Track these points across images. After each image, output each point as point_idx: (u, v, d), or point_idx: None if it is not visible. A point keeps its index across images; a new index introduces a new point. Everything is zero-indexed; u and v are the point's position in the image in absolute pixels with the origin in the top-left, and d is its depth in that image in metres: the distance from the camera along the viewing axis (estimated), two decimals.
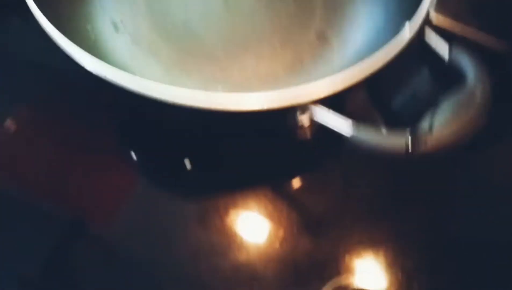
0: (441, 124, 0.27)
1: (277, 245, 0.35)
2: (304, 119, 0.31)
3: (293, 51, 0.41)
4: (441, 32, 0.32)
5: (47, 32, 0.32)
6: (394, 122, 0.39)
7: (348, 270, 0.34)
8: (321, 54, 0.41)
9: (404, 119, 0.39)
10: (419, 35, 0.32)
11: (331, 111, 0.30)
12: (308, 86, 0.30)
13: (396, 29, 0.39)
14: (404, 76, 0.41)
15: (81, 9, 0.39)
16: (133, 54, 0.40)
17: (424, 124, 0.27)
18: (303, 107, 0.30)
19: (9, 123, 0.39)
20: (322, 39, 0.42)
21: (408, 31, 0.33)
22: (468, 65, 0.29)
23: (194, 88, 0.38)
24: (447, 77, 0.30)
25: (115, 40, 0.40)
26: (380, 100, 0.41)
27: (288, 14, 0.42)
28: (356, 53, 0.41)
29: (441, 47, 0.32)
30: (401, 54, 0.31)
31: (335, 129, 0.30)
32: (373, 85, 0.38)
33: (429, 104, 0.28)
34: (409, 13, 0.37)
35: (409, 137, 0.27)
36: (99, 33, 0.40)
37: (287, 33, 0.42)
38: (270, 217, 0.36)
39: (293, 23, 0.42)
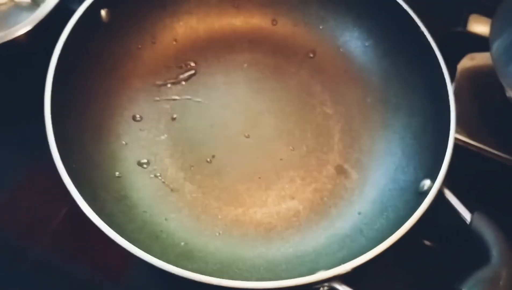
0: None
1: None
2: None
3: (313, 187, 0.42)
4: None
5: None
6: None
7: None
8: (340, 189, 0.42)
9: None
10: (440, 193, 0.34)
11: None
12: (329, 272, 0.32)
13: (414, 173, 0.40)
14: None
15: (109, 154, 0.41)
16: (157, 190, 0.41)
17: None
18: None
19: None
20: (341, 173, 0.43)
21: (430, 196, 0.34)
22: (492, 238, 0.30)
23: (218, 232, 0.40)
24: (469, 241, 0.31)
25: (142, 179, 0.41)
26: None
27: (307, 148, 0.44)
28: (375, 190, 0.42)
29: (462, 210, 0.33)
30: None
31: None
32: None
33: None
34: (428, 162, 0.39)
35: None
36: (126, 172, 0.42)
37: (307, 167, 0.43)
38: None
39: (312, 158, 0.44)
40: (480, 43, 0.45)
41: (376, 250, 0.32)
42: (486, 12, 0.48)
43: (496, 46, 0.42)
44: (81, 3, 0.41)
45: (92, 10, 0.41)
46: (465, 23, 0.50)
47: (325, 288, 0.32)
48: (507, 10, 0.43)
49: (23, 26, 0.43)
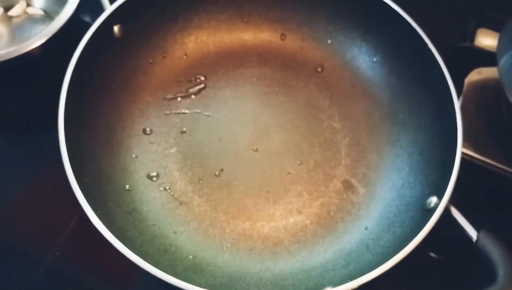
0: None
1: None
2: None
3: (320, 201, 0.43)
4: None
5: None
6: None
7: None
8: (347, 204, 0.43)
9: None
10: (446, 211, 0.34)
11: None
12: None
13: (421, 189, 0.41)
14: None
15: (120, 168, 0.42)
16: (166, 203, 0.42)
17: None
18: None
19: None
20: (348, 188, 0.44)
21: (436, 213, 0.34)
22: (498, 257, 0.30)
23: (226, 245, 0.40)
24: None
25: (151, 191, 0.42)
26: None
27: (314, 163, 0.44)
28: (382, 205, 0.42)
29: (469, 228, 0.33)
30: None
31: None
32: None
33: None
34: (435, 178, 0.39)
35: None
36: (136, 185, 0.42)
37: (314, 182, 0.44)
38: None
39: (319, 172, 0.44)
40: (487, 58, 0.45)
41: (383, 267, 0.33)
42: (494, 26, 0.48)
43: (503, 61, 0.42)
44: (94, 16, 0.42)
45: (105, 27, 0.41)
46: (472, 37, 0.50)
47: None
48: None
49: (37, 40, 0.44)
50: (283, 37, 0.50)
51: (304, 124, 0.47)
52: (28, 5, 0.53)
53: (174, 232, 0.40)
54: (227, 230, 0.41)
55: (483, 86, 0.48)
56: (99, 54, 0.42)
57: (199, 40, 0.49)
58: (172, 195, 0.42)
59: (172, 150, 0.44)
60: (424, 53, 0.42)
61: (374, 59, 0.48)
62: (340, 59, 0.49)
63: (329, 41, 0.49)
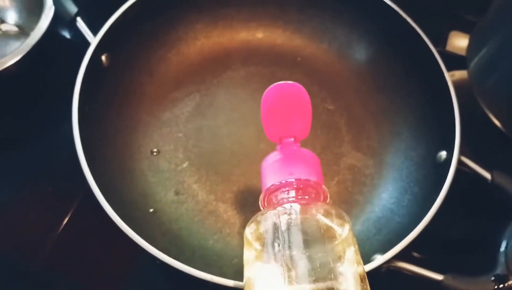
0: None
1: None
2: None
3: (335, 180, 0.45)
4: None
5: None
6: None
7: None
8: (360, 177, 0.45)
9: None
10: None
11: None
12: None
13: (426, 147, 0.44)
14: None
15: (140, 193, 0.42)
16: (194, 216, 0.42)
17: (501, 267, 0.31)
18: None
19: None
20: (357, 161, 0.46)
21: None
22: None
23: None
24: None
25: (176, 209, 0.43)
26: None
27: (321, 145, 0.46)
28: (393, 170, 0.45)
29: (481, 171, 0.37)
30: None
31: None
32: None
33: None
34: (436, 135, 0.43)
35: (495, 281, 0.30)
36: (159, 206, 0.43)
37: (326, 163, 0.45)
38: None
39: (328, 153, 0.46)
40: (461, 61, 0.46)
41: (420, 225, 0.35)
42: (468, 28, 0.49)
43: (473, 64, 0.44)
44: (70, 29, 0.41)
45: (94, 59, 0.41)
46: (445, 41, 0.52)
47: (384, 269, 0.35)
48: (484, 28, 0.44)
49: (12, 57, 0.43)
50: (260, 34, 0.52)
51: None
52: (2, 21, 0.50)
53: (211, 241, 0.41)
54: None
55: (457, 89, 0.44)
56: (93, 86, 0.42)
57: (181, 52, 0.50)
58: (197, 208, 0.43)
59: (184, 165, 0.45)
60: (399, 24, 0.45)
61: (351, 39, 0.50)
62: (319, 44, 0.51)
63: (304, 30, 0.51)
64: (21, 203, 0.45)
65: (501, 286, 0.31)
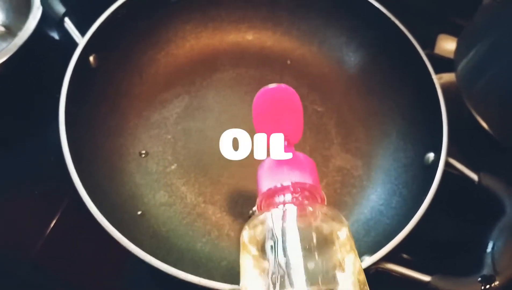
0: (503, 262, 0.31)
1: None
2: None
3: (324, 182, 0.45)
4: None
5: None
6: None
7: None
8: (349, 179, 0.45)
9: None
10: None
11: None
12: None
13: (413, 149, 0.44)
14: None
15: (128, 194, 0.42)
16: (182, 219, 0.42)
17: (487, 268, 0.31)
18: None
19: None
20: (346, 163, 0.46)
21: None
22: (502, 190, 0.34)
23: None
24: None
25: (164, 211, 0.42)
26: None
27: (310, 147, 0.46)
28: (382, 172, 0.45)
29: (468, 172, 0.37)
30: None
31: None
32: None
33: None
34: (424, 137, 0.43)
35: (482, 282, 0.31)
36: (147, 209, 0.42)
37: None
38: None
39: (316, 155, 0.46)
40: (449, 64, 0.46)
41: (408, 227, 0.36)
42: (456, 31, 0.49)
43: (460, 67, 0.44)
44: (58, 30, 0.40)
45: (82, 59, 0.41)
46: (433, 44, 0.52)
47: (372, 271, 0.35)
48: (472, 32, 0.45)
49: None
50: (249, 36, 0.52)
51: None
52: None
53: (200, 244, 0.41)
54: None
55: (445, 91, 0.44)
56: (81, 87, 0.41)
57: (170, 53, 0.49)
58: (186, 210, 0.43)
59: (173, 167, 0.45)
60: (388, 27, 0.46)
61: (340, 41, 0.51)
62: (309, 46, 0.51)
63: (294, 32, 0.52)
64: (7, 206, 0.44)
65: (487, 286, 0.31)
